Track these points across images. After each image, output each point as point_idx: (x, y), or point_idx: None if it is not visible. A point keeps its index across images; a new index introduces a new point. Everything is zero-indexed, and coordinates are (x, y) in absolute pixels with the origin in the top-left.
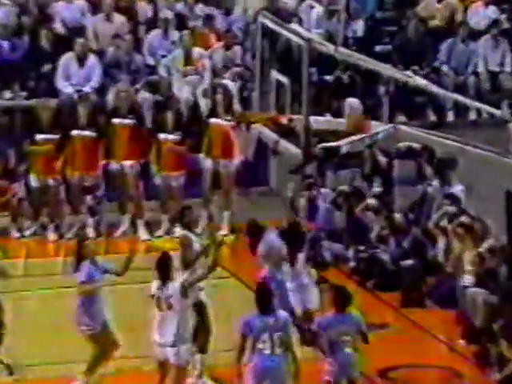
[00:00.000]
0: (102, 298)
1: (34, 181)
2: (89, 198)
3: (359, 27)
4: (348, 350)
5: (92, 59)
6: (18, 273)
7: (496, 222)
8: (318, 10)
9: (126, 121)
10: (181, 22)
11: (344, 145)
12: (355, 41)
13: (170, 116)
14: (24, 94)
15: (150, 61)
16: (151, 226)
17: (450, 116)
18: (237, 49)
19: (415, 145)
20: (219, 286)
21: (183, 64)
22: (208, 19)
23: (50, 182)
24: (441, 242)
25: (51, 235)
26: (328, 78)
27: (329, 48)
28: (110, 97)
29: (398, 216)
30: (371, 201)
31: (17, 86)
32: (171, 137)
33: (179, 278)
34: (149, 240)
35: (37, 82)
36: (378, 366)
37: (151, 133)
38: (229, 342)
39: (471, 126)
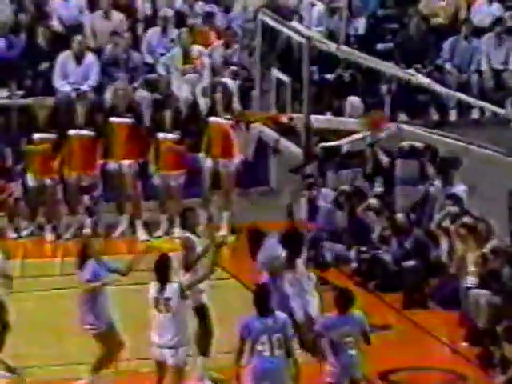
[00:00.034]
0: (107, 298)
1: (30, 180)
2: (86, 198)
3: (361, 25)
4: (351, 351)
5: (90, 57)
6: (14, 274)
7: (499, 222)
8: (319, 7)
9: (125, 120)
10: (180, 19)
11: (345, 144)
12: (357, 39)
13: (168, 115)
14: (21, 92)
15: (149, 59)
16: (150, 227)
17: (453, 115)
18: (234, 47)
19: (418, 144)
20: (219, 287)
21: (182, 62)
22: (208, 17)
23: (47, 181)
24: (443, 243)
25: (48, 236)
26: (329, 76)
27: (330, 46)
28: (108, 95)
29: (399, 216)
30: (373, 201)
31: (13, 85)
32: (170, 136)
33: (180, 279)
34: (147, 240)
35: (34, 80)
36: (379, 368)
37: (150, 132)
38: (229, 344)
39: (474, 124)
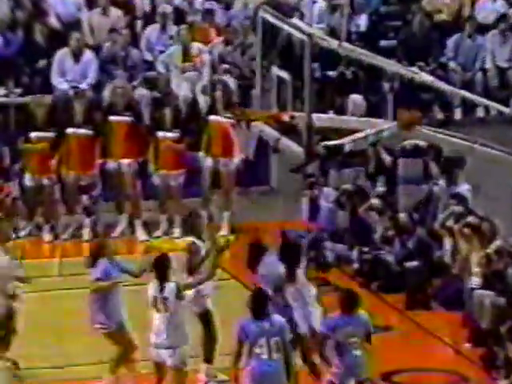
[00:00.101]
0: (118, 297)
1: (28, 180)
2: (85, 198)
3: (363, 22)
4: (355, 352)
5: (88, 55)
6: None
7: (504, 222)
8: (321, 4)
9: (124, 118)
10: (179, 16)
11: (347, 143)
12: (359, 36)
13: (168, 113)
14: (18, 90)
15: (148, 56)
16: (149, 227)
17: (458, 113)
18: (234, 45)
19: (421, 143)
20: (219, 288)
21: (181, 60)
22: (207, 13)
23: (45, 181)
24: (447, 243)
25: (46, 236)
26: (331, 73)
27: (331, 43)
28: (107, 93)
29: (402, 216)
30: (375, 200)
31: (11, 83)
32: (170, 134)
33: (178, 279)
34: (147, 240)
35: (31, 78)
36: (381, 369)
37: (149, 130)
38: (230, 345)
39: (479, 123)
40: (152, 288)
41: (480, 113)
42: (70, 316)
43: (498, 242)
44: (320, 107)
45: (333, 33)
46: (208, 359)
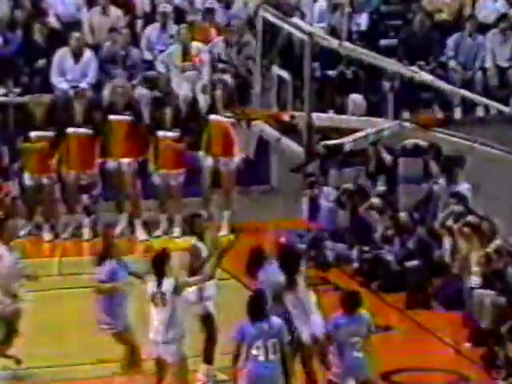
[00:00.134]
0: (125, 297)
1: (28, 179)
2: (85, 197)
3: (363, 21)
4: (357, 353)
5: (88, 54)
6: None
7: (504, 221)
8: (321, 3)
9: (123, 117)
10: (179, 15)
11: (347, 142)
12: (359, 35)
13: (168, 112)
14: (18, 89)
15: (148, 56)
16: (149, 226)
17: (458, 113)
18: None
19: (421, 142)
20: (219, 288)
21: (181, 59)
22: (208, 13)
23: (45, 180)
24: (447, 242)
25: (46, 235)
26: (331, 73)
27: (332, 42)
28: (106, 92)
29: (402, 215)
30: (375, 200)
31: (10, 82)
32: (170, 134)
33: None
34: (147, 240)
35: (31, 77)
36: (381, 368)
37: (149, 130)
38: (230, 345)
39: (479, 122)
40: (151, 284)
41: (480, 112)
42: (70, 316)
43: (497, 242)
44: (320, 106)
45: (333, 32)
46: (208, 360)
